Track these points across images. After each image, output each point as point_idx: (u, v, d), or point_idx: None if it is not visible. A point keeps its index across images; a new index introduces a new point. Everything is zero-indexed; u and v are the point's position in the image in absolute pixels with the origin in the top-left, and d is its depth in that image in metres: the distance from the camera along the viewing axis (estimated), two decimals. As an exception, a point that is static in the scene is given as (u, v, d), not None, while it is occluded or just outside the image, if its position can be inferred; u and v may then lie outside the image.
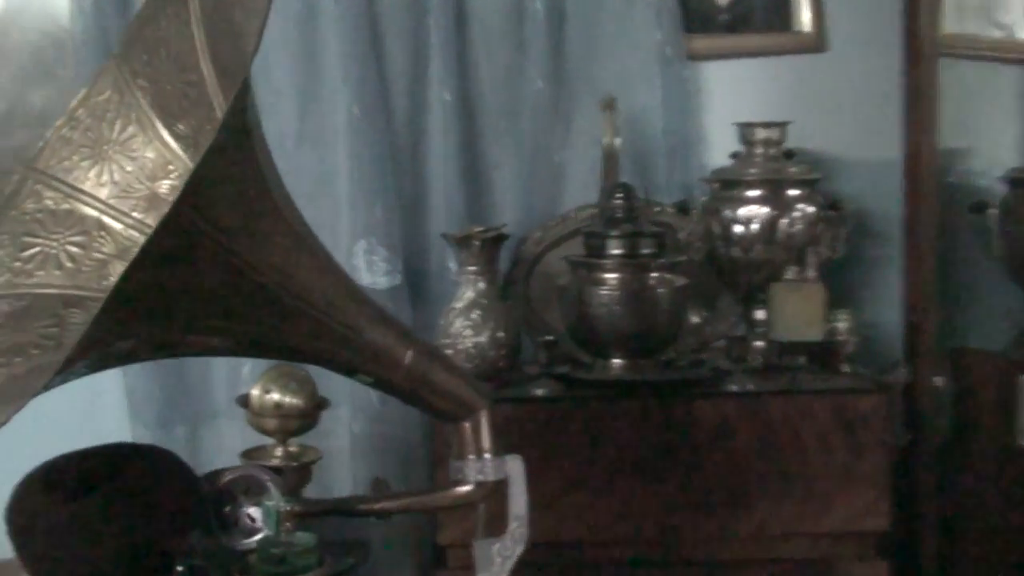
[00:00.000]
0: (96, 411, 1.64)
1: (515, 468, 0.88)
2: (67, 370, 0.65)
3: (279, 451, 1.31)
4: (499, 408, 1.35)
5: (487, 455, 0.88)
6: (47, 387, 0.68)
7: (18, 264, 0.81)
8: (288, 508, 0.82)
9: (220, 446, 1.61)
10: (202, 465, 1.66)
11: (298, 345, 0.78)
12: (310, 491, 1.33)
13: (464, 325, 1.41)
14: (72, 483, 0.82)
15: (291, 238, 0.75)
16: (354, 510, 0.87)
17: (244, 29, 0.70)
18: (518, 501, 0.87)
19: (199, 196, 0.65)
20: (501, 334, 1.41)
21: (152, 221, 0.77)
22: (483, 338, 1.40)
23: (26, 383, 0.66)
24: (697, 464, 1.33)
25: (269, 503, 0.84)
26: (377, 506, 0.87)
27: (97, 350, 0.66)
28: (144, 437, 1.63)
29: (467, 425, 0.88)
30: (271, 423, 1.30)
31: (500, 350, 1.41)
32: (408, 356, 0.84)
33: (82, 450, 0.86)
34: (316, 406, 1.29)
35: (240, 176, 0.69)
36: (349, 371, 0.83)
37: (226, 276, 0.69)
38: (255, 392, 1.28)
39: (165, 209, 0.65)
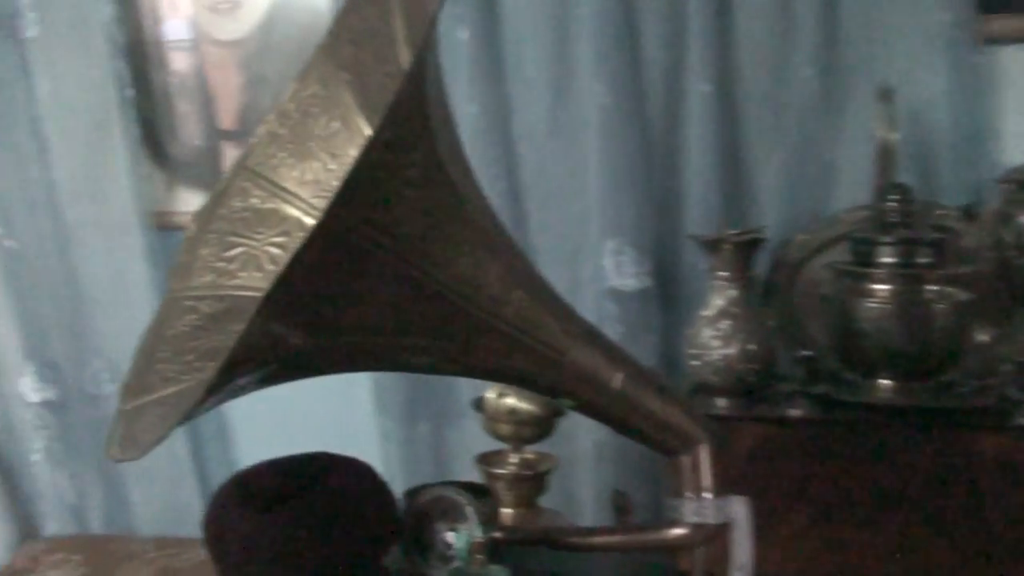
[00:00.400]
0: (346, 404, 1.67)
1: (740, 512, 0.77)
2: (229, 384, 0.61)
3: (514, 458, 1.26)
4: (746, 428, 1.26)
5: (707, 495, 0.77)
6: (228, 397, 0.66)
7: (222, 264, 0.79)
8: (481, 538, 0.76)
9: (463, 445, 1.59)
10: (444, 464, 1.66)
11: (491, 364, 0.72)
12: (546, 501, 1.28)
13: (712, 335, 1.30)
14: (267, 493, 0.79)
15: (482, 248, 0.68)
16: (557, 543, 0.80)
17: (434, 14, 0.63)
18: (742, 550, 0.76)
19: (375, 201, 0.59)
20: (752, 346, 1.29)
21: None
22: (732, 350, 1.29)
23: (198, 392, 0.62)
24: (975, 507, 1.16)
25: (463, 530, 0.78)
26: (582, 541, 0.80)
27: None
28: (390, 432, 1.64)
29: (685, 460, 0.78)
30: (505, 428, 1.26)
31: (750, 364, 1.29)
32: (617, 380, 0.75)
33: (279, 459, 0.84)
34: (552, 413, 1.23)
35: (422, 179, 0.62)
36: (550, 393, 0.75)
37: (402, 287, 0.63)
38: (490, 396, 1.24)
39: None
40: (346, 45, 0.78)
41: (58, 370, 1.79)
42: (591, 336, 0.75)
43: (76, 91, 1.70)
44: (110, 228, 1.72)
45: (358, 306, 0.63)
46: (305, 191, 0.79)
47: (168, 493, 1.77)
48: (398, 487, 0.84)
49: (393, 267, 0.62)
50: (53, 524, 1.85)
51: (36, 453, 1.81)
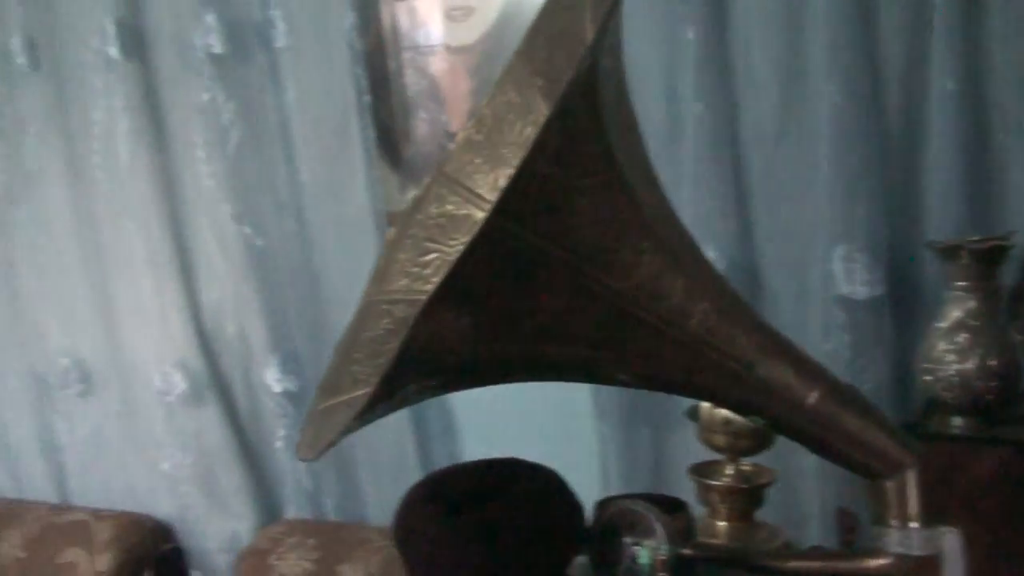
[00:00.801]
0: (566, 407, 1.67)
1: (951, 545, 0.71)
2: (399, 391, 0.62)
3: (729, 469, 1.22)
4: (984, 451, 1.17)
5: (913, 524, 0.71)
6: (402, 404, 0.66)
7: (416, 269, 0.80)
8: (666, 554, 0.74)
9: (683, 453, 1.55)
10: (662, 471, 1.63)
11: (674, 378, 0.69)
12: (768, 515, 1.23)
13: (947, 349, 1.21)
14: (456, 496, 0.80)
15: (664, 257, 0.65)
16: (748, 564, 0.76)
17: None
18: (952, 587, 0.70)
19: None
20: (993, 362, 1.19)
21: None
22: (969, 365, 1.20)
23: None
24: None
25: (648, 546, 0.76)
26: (775, 565, 0.75)
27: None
28: (608, 437, 1.63)
29: (890, 484, 0.72)
30: (720, 439, 1.21)
31: (990, 381, 1.19)
32: (813, 397, 0.70)
33: (469, 463, 0.85)
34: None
35: (597, 186, 0.61)
36: (740, 409, 0.72)
37: (576, 297, 0.62)
38: (704, 405, 1.21)
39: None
40: (540, 50, 0.78)
41: (299, 362, 1.89)
42: (784, 350, 0.71)
43: (319, 97, 1.79)
44: (348, 227, 1.80)
45: (530, 315, 0.62)
46: (497, 198, 0.79)
47: (396, 486, 1.82)
48: (616, 493, 0.82)
49: (566, 276, 0.61)
50: (292, 508, 1.95)
51: (278, 440, 1.92)
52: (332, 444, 0.62)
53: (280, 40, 1.80)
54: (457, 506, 0.79)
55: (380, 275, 0.81)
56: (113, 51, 1.87)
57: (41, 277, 2.05)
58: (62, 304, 2.04)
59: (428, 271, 0.80)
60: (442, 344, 0.61)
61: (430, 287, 0.79)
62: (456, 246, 0.79)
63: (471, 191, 0.80)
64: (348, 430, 0.62)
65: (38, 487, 2.13)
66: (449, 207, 0.81)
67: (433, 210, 0.82)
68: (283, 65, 1.81)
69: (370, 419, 0.65)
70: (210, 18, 1.80)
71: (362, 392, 0.72)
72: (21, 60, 1.98)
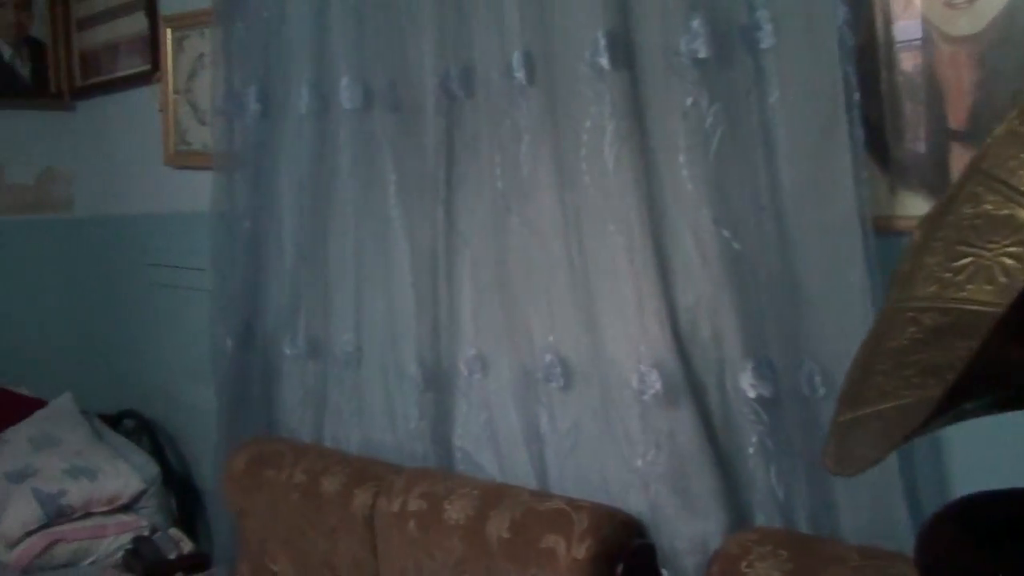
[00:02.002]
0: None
1: None
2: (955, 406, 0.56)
3: None
4: None
5: None
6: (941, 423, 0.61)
7: (948, 275, 0.73)
8: None
9: None
10: None
11: None
12: None
13: None
14: (990, 526, 0.72)
15: None
16: None
17: None
18: None
19: None
20: None
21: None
22: None
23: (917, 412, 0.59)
24: None
25: None
26: None
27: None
28: None
29: None
30: None
31: None
32: None
33: (1007, 490, 0.76)
34: None
35: None
36: None
37: None
38: None
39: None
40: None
41: (774, 368, 1.85)
42: None
43: (805, 98, 1.75)
44: (830, 232, 1.74)
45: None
46: (1046, 196, 0.70)
47: (874, 504, 1.73)
48: None
49: None
50: (761, 516, 1.92)
51: (751, 446, 1.89)
52: (876, 462, 0.58)
53: (766, 41, 1.78)
54: (991, 538, 0.71)
55: (904, 281, 0.76)
56: (603, 61, 1.95)
57: (529, 278, 2.19)
58: (548, 303, 2.16)
59: (961, 277, 0.73)
60: (1009, 362, 0.54)
61: (964, 294, 0.73)
62: (997, 250, 0.72)
63: (1015, 189, 0.72)
64: (893, 446, 0.58)
65: (520, 474, 2.27)
66: (987, 207, 0.74)
67: (967, 210, 0.75)
68: (768, 66, 1.78)
69: (918, 435, 0.60)
70: (696, 23, 1.82)
71: (891, 405, 0.67)
72: (519, 75, 2.13)
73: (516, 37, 2.13)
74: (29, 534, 3.19)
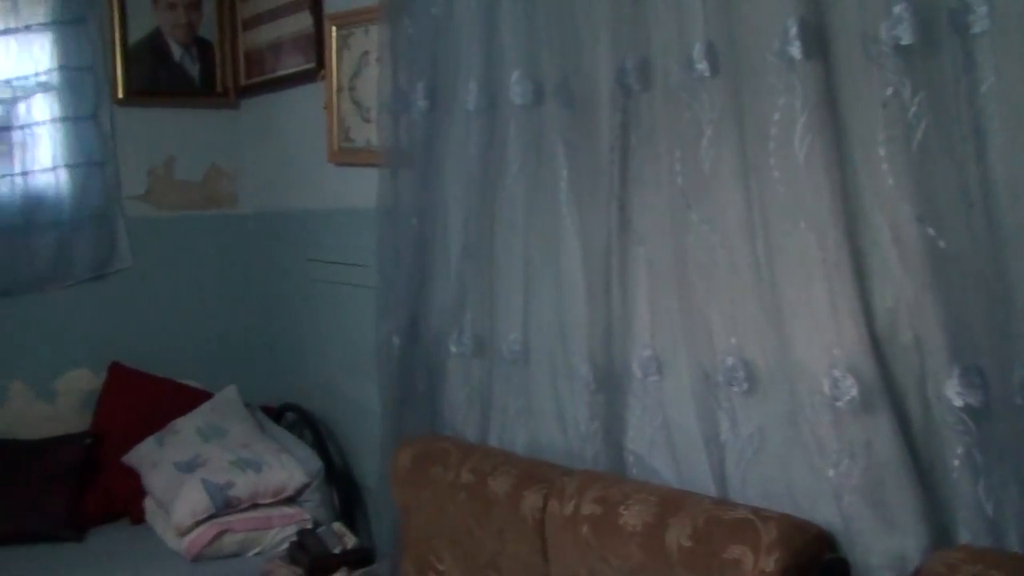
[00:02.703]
0: None
1: None
2: None
3: None
4: None
5: None
6: None
7: None
8: None
9: None
10: None
11: None
12: None
13: None
14: None
15: None
16: None
17: None
18: None
19: None
20: None
21: None
22: None
23: None
24: None
25: None
26: None
27: None
28: None
29: None
30: None
31: None
32: None
33: None
34: None
35: None
36: None
37: None
38: None
39: None
40: None
41: (983, 376, 1.73)
42: None
43: (1021, 85, 1.62)
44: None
45: None
46: None
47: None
48: None
49: None
50: (966, 533, 1.80)
51: (956, 458, 1.77)
52: None
53: (979, 25, 1.66)
54: None
55: None
56: (794, 51, 1.85)
57: (710, 277, 2.11)
58: (730, 303, 2.08)
59: None
60: None
61: None
62: None
63: None
64: None
65: (697, 480, 2.20)
66: None
67: None
68: (981, 52, 1.66)
69: None
70: (899, 8, 1.71)
71: None
72: (700, 66, 2.05)
73: (698, 27, 2.06)
74: (199, 523, 3.27)
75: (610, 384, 2.35)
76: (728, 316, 2.09)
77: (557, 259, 2.48)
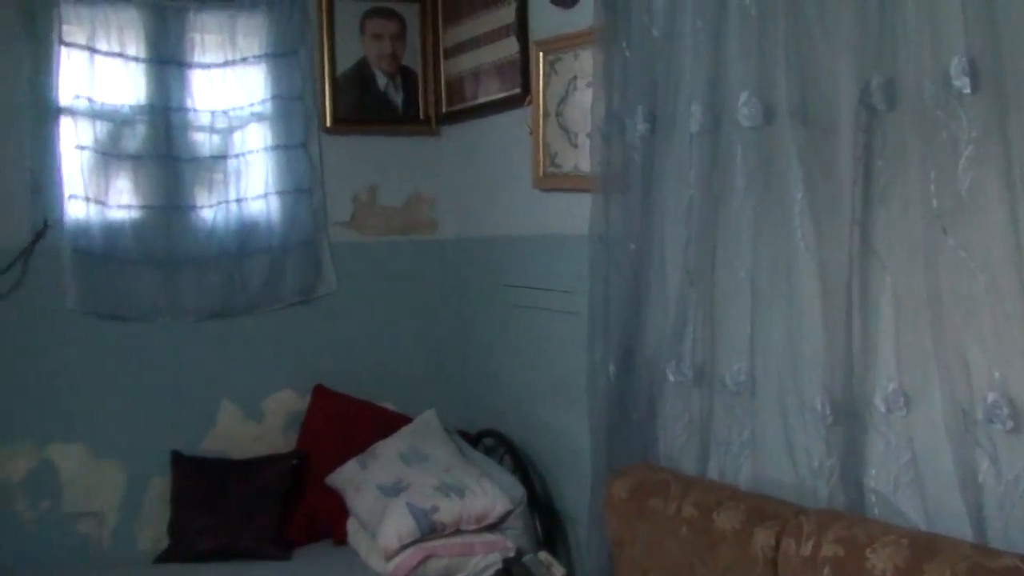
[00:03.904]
0: None
1: None
2: None
3: None
4: None
5: None
6: None
7: None
8: None
9: None
10: None
11: None
12: None
13: None
14: None
15: None
16: None
17: None
18: None
19: None
20: None
21: None
22: None
23: None
24: None
25: None
26: None
27: None
28: None
29: None
30: None
31: None
32: None
33: None
34: None
35: None
36: None
37: None
38: None
39: None
40: None
41: None
42: None
43: None
44: None
45: None
46: None
47: None
48: None
49: None
50: None
51: None
52: None
53: None
54: None
55: None
56: (1075, 63, 1.72)
57: (968, 306, 1.97)
58: (993, 335, 1.93)
59: None
60: None
61: None
62: None
63: None
64: None
65: (950, 523, 2.05)
66: None
67: None
68: None
69: None
70: None
71: None
72: (959, 83, 1.93)
73: (956, 42, 1.93)
74: (404, 547, 3.28)
75: (849, 418, 2.23)
76: (989, 348, 1.95)
77: (789, 285, 2.37)
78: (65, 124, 3.72)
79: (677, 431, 2.73)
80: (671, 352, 2.69)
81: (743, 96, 2.42)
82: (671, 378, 2.70)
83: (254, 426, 4.06)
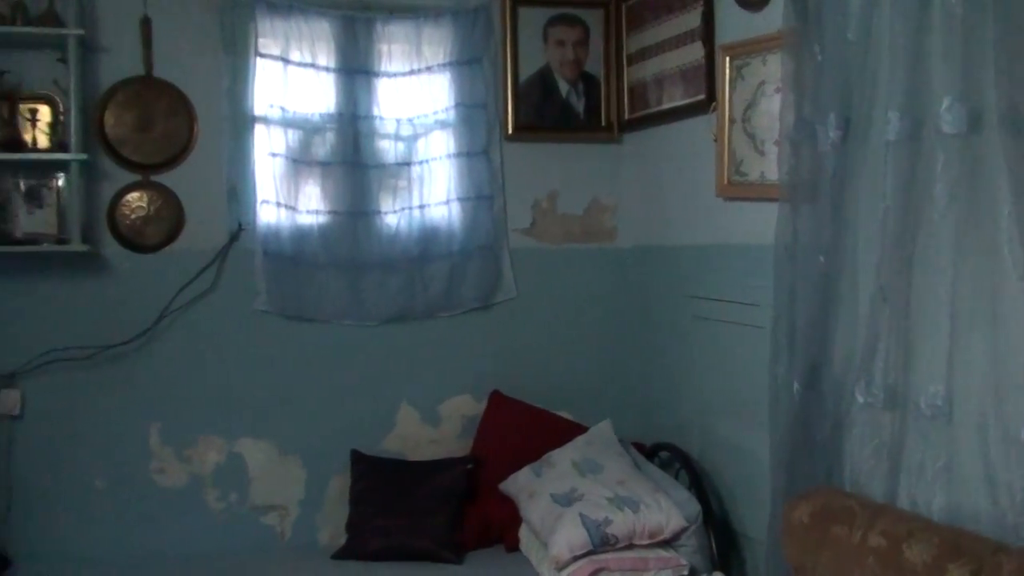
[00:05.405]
0: None
1: None
2: None
3: None
4: None
5: None
6: None
7: None
8: None
9: None
10: None
11: None
12: None
13: None
14: None
15: None
16: None
17: None
18: None
19: None
20: None
21: None
22: None
23: None
24: None
25: None
26: None
27: None
28: None
29: None
30: None
31: None
32: None
33: None
34: None
35: None
36: None
37: None
38: None
39: None
40: None
41: None
42: None
43: None
44: None
45: None
46: None
47: None
48: None
49: None
50: None
51: None
52: None
53: None
54: None
55: None
56: None
57: None
58: None
59: None
60: None
61: None
62: None
63: None
64: None
65: None
66: None
67: None
68: None
69: None
70: None
71: None
72: None
73: None
74: (576, 558, 3.24)
75: (1060, 451, 2.06)
76: None
77: (992, 305, 2.21)
78: (259, 132, 3.87)
79: (864, 455, 2.58)
80: (861, 371, 2.55)
81: (946, 102, 2.27)
82: (860, 399, 2.56)
83: (431, 429, 4.12)
